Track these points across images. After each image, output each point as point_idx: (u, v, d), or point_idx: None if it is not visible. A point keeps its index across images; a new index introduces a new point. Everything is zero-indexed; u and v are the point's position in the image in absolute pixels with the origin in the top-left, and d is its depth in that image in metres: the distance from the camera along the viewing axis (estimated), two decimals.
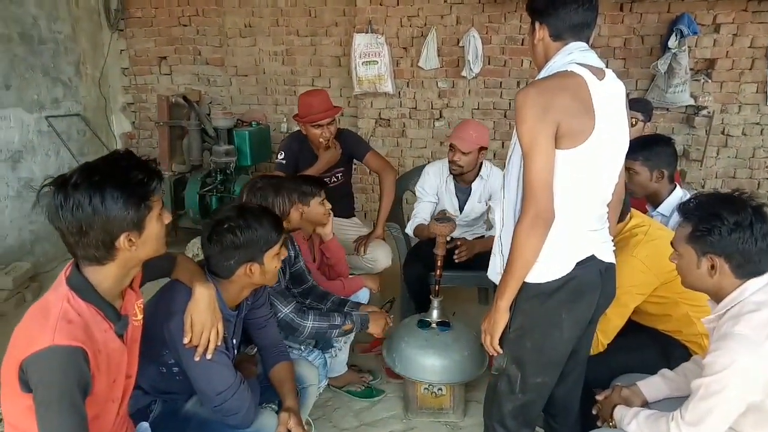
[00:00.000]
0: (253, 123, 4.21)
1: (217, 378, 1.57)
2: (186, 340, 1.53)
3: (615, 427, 1.68)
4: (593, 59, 1.54)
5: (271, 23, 4.73)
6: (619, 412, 1.66)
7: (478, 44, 4.28)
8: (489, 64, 4.40)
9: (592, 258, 1.58)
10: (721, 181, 4.44)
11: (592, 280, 1.59)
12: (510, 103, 4.46)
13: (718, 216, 1.46)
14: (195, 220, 4.23)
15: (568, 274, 1.54)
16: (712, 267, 1.49)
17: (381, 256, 2.91)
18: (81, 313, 1.24)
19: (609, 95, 1.53)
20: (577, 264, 1.55)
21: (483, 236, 3.03)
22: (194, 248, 4.04)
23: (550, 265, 1.54)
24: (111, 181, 1.21)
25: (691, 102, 4.16)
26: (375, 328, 2.27)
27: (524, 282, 1.55)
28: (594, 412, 1.80)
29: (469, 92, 4.51)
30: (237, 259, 1.64)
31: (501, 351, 1.65)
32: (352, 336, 2.48)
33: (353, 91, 4.50)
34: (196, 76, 4.94)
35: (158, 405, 1.72)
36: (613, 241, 1.70)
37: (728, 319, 1.45)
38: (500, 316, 1.59)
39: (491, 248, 2.89)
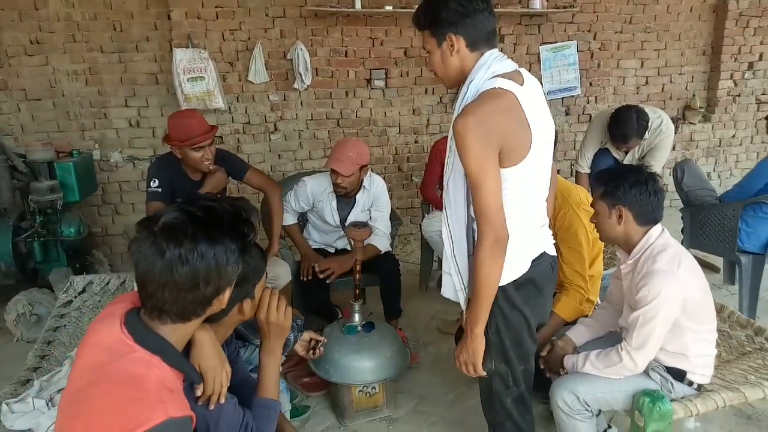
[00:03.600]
0: (73, 152, 3.66)
1: (234, 416, 1.46)
2: (199, 393, 1.39)
3: (567, 373, 2.00)
4: (509, 64, 1.58)
5: (65, 39, 4.15)
6: (569, 360, 1.98)
7: (306, 56, 4.39)
8: (317, 75, 4.53)
9: (544, 254, 1.72)
10: None
11: (547, 273, 1.73)
12: (342, 112, 4.67)
13: (622, 176, 1.91)
14: (9, 274, 3.51)
15: (525, 273, 1.64)
16: (620, 216, 1.90)
17: (282, 273, 2.86)
18: (171, 379, 1.10)
19: (533, 99, 1.58)
20: (532, 261, 1.66)
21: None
22: (18, 307, 3.39)
23: (507, 268, 1.58)
24: (227, 232, 1.11)
25: None
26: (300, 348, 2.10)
27: None
28: (542, 367, 2.10)
29: (302, 104, 4.58)
30: (233, 298, 1.51)
31: (485, 374, 1.70)
32: None
33: (180, 108, 4.21)
34: None
35: None
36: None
37: (645, 261, 1.86)
38: (479, 344, 1.64)
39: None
